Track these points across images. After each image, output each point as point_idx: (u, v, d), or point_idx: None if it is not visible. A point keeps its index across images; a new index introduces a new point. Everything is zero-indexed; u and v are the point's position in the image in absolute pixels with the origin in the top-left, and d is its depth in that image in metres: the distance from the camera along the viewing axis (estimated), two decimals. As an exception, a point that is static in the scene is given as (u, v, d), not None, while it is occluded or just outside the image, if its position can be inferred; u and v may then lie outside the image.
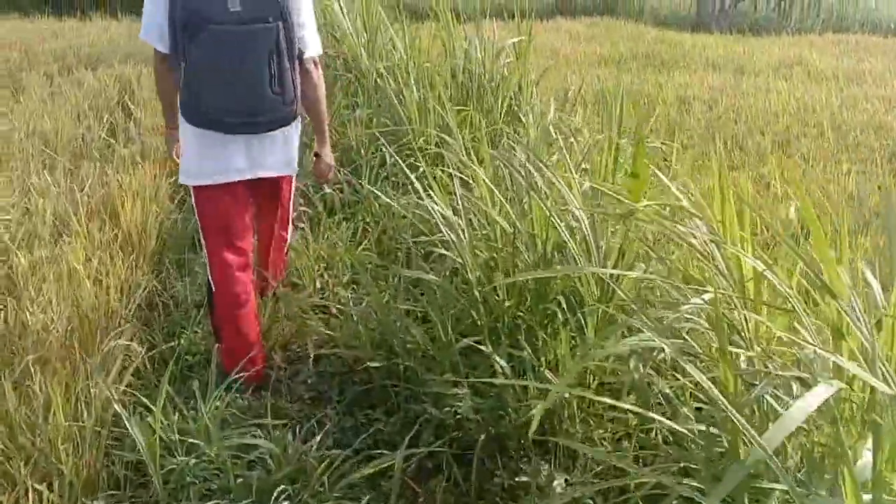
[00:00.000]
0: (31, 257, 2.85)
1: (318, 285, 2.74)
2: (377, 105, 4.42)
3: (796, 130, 6.08)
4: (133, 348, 2.18)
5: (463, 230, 2.33)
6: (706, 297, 1.47)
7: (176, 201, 3.87)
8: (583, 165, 2.60)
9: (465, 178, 2.82)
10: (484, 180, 2.50)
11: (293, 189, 2.67)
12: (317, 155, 2.60)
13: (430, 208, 2.36)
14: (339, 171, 3.60)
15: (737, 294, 1.47)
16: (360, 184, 3.46)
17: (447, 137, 3.42)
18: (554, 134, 3.77)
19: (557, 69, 8.38)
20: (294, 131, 2.45)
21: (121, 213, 3.35)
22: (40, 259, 2.81)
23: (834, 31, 15.12)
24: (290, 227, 2.78)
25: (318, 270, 2.86)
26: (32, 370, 1.98)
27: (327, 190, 3.45)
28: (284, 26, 2.15)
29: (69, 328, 2.27)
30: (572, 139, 3.56)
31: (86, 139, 4.90)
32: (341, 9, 5.64)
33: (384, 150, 3.65)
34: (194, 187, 2.37)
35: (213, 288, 2.40)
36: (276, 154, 2.40)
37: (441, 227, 2.38)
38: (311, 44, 2.36)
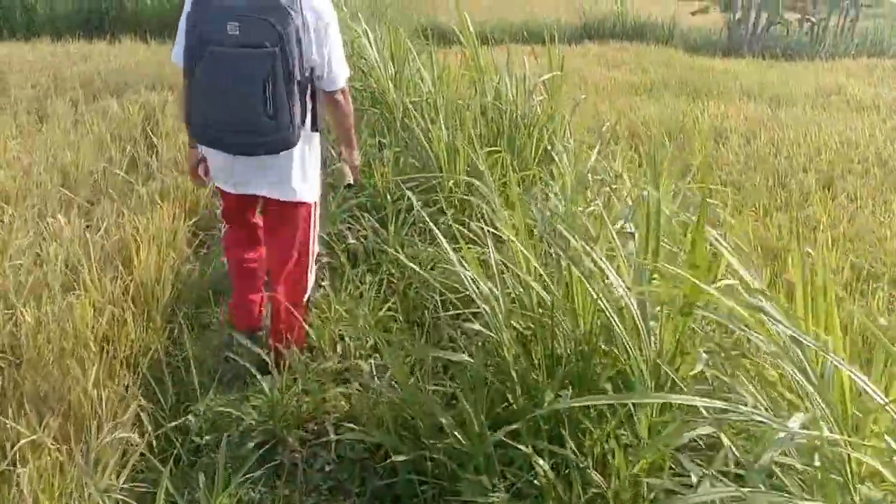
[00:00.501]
0: (38, 313, 2.69)
1: (338, 349, 2.55)
2: (405, 144, 4.25)
3: (840, 167, 5.80)
4: (134, 440, 2.00)
5: (498, 300, 2.12)
6: (797, 421, 1.25)
7: (193, 246, 3.72)
8: (627, 227, 2.39)
9: (498, 232, 2.62)
10: (517, 245, 2.29)
11: (312, 227, 2.68)
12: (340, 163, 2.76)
13: (461, 275, 2.16)
14: (363, 216, 3.43)
15: (837, 421, 1.24)
16: (386, 232, 3.28)
17: (477, 183, 3.24)
18: (591, 179, 3.57)
19: (587, 97, 8.18)
20: (297, 158, 2.45)
21: (135, 259, 3.20)
22: (47, 316, 2.65)
23: (868, 56, 14.78)
24: (310, 276, 2.75)
25: (338, 332, 2.67)
26: (21, 458, 1.81)
27: (351, 240, 3.27)
28: (282, 52, 2.17)
29: (67, 409, 2.10)
30: (611, 187, 3.36)
31: (106, 173, 4.79)
32: (369, 41, 5.48)
33: (410, 192, 3.47)
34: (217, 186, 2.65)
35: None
36: (274, 176, 2.45)
37: (472, 295, 2.17)
38: (340, 76, 2.45)
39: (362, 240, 3.34)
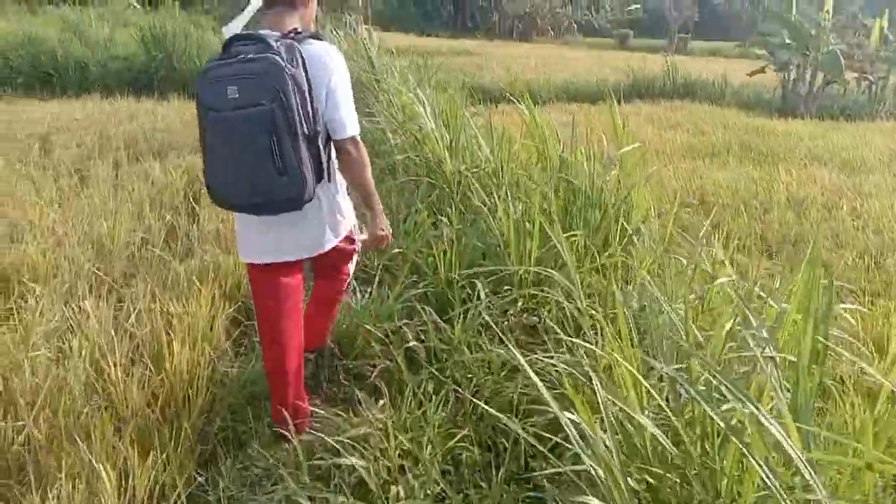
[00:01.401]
0: (52, 426, 2.31)
1: (401, 494, 2.08)
2: (467, 221, 3.86)
3: (940, 244, 5.25)
4: None
5: (610, 451, 1.67)
6: None
7: (233, 337, 3.34)
8: (768, 350, 1.92)
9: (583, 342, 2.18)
10: (627, 370, 1.84)
11: (351, 256, 2.76)
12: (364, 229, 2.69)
13: (561, 418, 1.71)
14: (424, 309, 3.01)
15: None
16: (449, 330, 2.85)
17: (557, 276, 2.80)
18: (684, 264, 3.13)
19: (645, 161, 7.75)
20: (319, 211, 2.48)
21: (167, 357, 2.82)
22: (61, 433, 2.26)
23: (931, 114, 14.21)
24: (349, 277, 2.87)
25: (397, 468, 2.22)
26: None
27: (411, 341, 2.85)
28: (282, 108, 2.16)
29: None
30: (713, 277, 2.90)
31: (143, 246, 4.49)
32: (424, 108, 5.15)
33: (477, 282, 3.05)
34: (246, 264, 2.60)
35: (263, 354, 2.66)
36: (303, 236, 2.48)
37: (572, 439, 1.73)
38: (347, 125, 2.40)
39: (422, 336, 2.93)
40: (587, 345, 2.17)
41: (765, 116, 13.56)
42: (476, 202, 3.73)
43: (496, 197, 3.69)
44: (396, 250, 3.60)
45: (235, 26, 3.49)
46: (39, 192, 5.76)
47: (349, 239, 2.68)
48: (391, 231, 2.73)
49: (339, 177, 2.55)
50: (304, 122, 2.22)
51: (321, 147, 2.34)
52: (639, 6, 61.59)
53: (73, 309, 3.29)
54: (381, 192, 3.17)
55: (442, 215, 4.00)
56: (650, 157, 8.23)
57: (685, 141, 9.72)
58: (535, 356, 2.39)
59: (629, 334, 2.13)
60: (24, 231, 4.63)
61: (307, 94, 2.24)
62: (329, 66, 2.34)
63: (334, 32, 15.73)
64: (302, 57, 2.24)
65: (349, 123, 2.40)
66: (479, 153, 4.91)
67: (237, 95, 2.14)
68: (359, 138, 2.46)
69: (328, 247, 2.55)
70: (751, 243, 5.25)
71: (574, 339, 2.22)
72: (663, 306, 2.40)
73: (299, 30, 2.39)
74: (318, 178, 2.34)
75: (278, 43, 2.22)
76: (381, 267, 3.63)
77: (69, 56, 13.13)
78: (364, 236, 2.69)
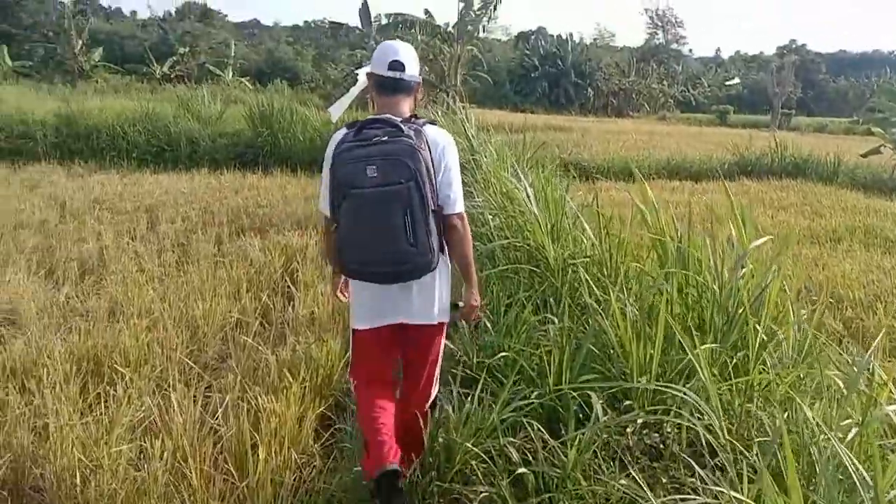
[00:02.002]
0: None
1: None
2: (575, 319, 3.53)
3: None
4: None
5: None
6: None
7: (322, 440, 3.10)
8: None
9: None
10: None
11: (442, 344, 2.82)
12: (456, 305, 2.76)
13: None
14: (532, 425, 2.69)
15: None
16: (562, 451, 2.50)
17: (691, 396, 2.43)
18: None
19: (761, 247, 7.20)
20: (435, 281, 2.62)
21: (251, 462, 2.60)
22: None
23: None
24: (435, 385, 2.88)
25: None
26: None
27: (517, 463, 2.52)
28: (417, 186, 2.36)
29: None
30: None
31: (238, 327, 4.39)
32: (524, 188, 4.90)
33: (592, 395, 2.71)
34: (353, 329, 2.73)
35: (359, 422, 2.74)
36: (418, 302, 2.61)
37: None
38: (457, 202, 2.59)
39: (529, 456, 2.59)
40: (739, 497, 1.78)
41: (884, 198, 12.66)
42: (585, 297, 3.40)
43: (608, 292, 3.36)
44: (502, 355, 3.30)
45: (339, 108, 3.54)
46: (142, 267, 5.85)
47: (442, 332, 2.80)
48: (483, 304, 2.83)
49: (448, 265, 2.71)
50: (431, 198, 2.43)
51: (440, 223, 2.53)
52: (737, 82, 60.61)
53: (160, 399, 3.15)
54: (479, 280, 2.99)
55: (547, 309, 3.70)
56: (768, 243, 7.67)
57: (801, 224, 9.09)
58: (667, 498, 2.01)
59: (796, 481, 1.74)
60: (123, 309, 4.64)
61: (432, 174, 2.47)
62: (446, 149, 2.58)
63: (430, 109, 16.00)
64: (426, 139, 2.50)
65: (459, 200, 2.60)
66: (584, 238, 4.60)
67: (376, 175, 2.34)
68: (465, 214, 2.64)
69: (436, 320, 2.68)
70: (890, 346, 4.66)
71: (716, 485, 1.84)
72: (825, 438, 2.00)
73: (417, 115, 2.64)
74: (441, 249, 2.54)
75: (406, 127, 2.45)
76: (481, 366, 3.33)
77: (181, 131, 13.82)
78: (460, 304, 2.76)
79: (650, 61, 61.70)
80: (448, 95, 16.98)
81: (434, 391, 2.87)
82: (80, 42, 34.78)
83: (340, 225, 2.47)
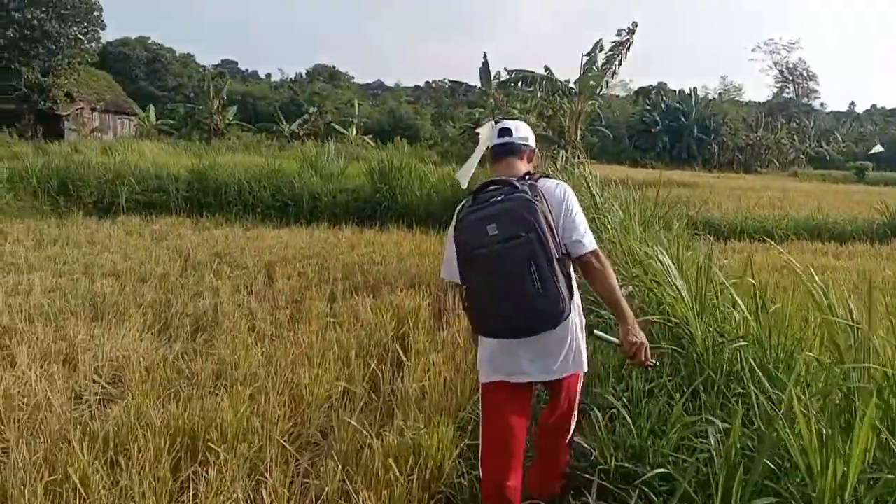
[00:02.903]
0: None
1: None
2: (737, 416, 2.93)
3: None
4: None
5: None
6: None
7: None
8: None
9: None
10: None
11: (578, 391, 2.82)
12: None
13: None
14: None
15: None
16: None
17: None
18: None
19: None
20: (570, 331, 2.61)
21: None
22: None
23: None
24: (574, 418, 2.86)
25: None
26: None
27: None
28: (538, 237, 2.40)
29: None
30: None
31: (344, 399, 4.07)
32: (667, 263, 4.29)
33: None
34: (483, 384, 2.72)
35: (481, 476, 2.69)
36: (555, 355, 2.61)
37: None
38: (586, 242, 2.62)
39: None
40: None
41: None
42: (751, 389, 2.81)
43: (776, 384, 2.76)
44: (658, 471, 2.75)
45: (468, 172, 3.49)
46: (254, 325, 5.70)
47: (578, 380, 2.80)
48: (646, 342, 2.63)
49: (580, 312, 2.72)
50: (553, 248, 2.45)
51: (568, 269, 2.58)
52: (881, 149, 56.52)
53: (254, 485, 2.83)
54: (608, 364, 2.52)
55: (697, 401, 3.12)
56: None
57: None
58: None
59: None
60: (230, 371, 4.44)
61: (552, 223, 2.52)
62: (563, 196, 2.66)
63: (547, 165, 15.62)
64: (542, 192, 2.59)
65: (587, 240, 2.63)
66: (735, 314, 3.99)
67: (496, 232, 2.40)
68: (599, 251, 2.65)
69: (572, 371, 2.67)
70: None
71: None
72: None
73: (532, 172, 2.76)
74: (570, 294, 2.52)
75: (521, 183, 2.55)
76: (621, 473, 2.80)
77: (305, 187, 14.10)
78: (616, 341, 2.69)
79: (778, 116, 59.12)
80: (567, 151, 16.55)
81: (573, 423, 2.88)
82: (217, 102, 37.24)
83: (469, 288, 2.52)
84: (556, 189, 2.67)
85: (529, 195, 2.47)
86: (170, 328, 5.77)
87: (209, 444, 3.21)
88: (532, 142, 2.91)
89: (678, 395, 3.16)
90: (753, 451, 2.63)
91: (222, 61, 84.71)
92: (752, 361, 3.17)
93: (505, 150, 2.82)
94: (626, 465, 2.81)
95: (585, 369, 2.73)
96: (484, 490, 2.65)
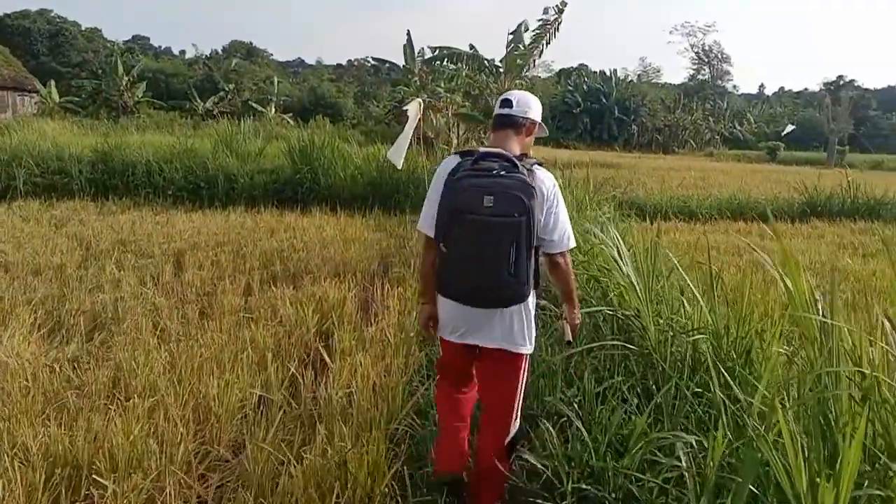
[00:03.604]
0: None
1: None
2: (702, 426, 2.62)
3: None
4: None
5: None
6: None
7: None
8: None
9: None
10: None
11: (522, 379, 2.82)
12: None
13: None
14: None
15: None
16: None
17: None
18: None
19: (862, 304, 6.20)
20: (522, 313, 2.71)
21: None
22: None
23: None
24: (516, 420, 2.83)
25: None
26: None
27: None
28: (527, 222, 2.51)
29: None
30: None
31: (260, 406, 3.60)
32: (618, 248, 3.96)
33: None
34: (440, 338, 2.92)
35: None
36: (500, 329, 2.72)
37: None
38: (565, 242, 2.75)
39: None
40: None
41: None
42: (716, 394, 2.51)
43: (745, 387, 2.47)
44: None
45: (400, 152, 3.24)
46: (158, 323, 5.13)
47: (523, 363, 2.81)
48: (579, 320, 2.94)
49: (533, 297, 2.76)
50: (536, 235, 2.58)
51: (536, 259, 2.67)
52: (793, 128, 58.77)
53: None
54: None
55: (656, 409, 2.80)
56: (868, 297, 6.65)
57: (901, 275, 8.01)
58: None
59: None
60: (127, 380, 3.90)
61: (539, 213, 2.62)
62: (551, 192, 2.71)
63: (475, 145, 15.31)
64: (537, 181, 2.63)
65: (565, 240, 2.74)
66: (686, 303, 3.72)
67: (492, 205, 2.48)
68: (567, 252, 2.79)
69: (516, 349, 2.73)
70: None
71: None
72: None
73: (527, 155, 2.76)
74: (536, 283, 2.67)
75: (521, 164, 2.59)
76: (578, 496, 2.46)
77: (219, 168, 13.28)
78: (569, 335, 2.86)
79: (694, 97, 60.64)
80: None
81: (514, 426, 2.84)
82: (126, 79, 35.21)
83: (448, 248, 2.60)
84: (548, 182, 2.70)
85: (528, 179, 2.53)
86: (63, 328, 5.13)
87: (94, 476, 2.69)
88: (535, 114, 2.84)
89: (635, 399, 2.84)
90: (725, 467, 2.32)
91: (133, 37, 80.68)
92: (712, 357, 2.88)
93: (503, 122, 2.80)
94: (584, 486, 2.47)
95: (529, 350, 2.78)
96: (440, 435, 2.97)
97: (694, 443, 2.37)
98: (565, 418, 2.95)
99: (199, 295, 6.20)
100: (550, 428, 2.79)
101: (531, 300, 2.71)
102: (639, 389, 3.07)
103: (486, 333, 2.71)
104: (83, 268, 7.05)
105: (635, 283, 3.65)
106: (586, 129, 53.37)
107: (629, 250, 4.33)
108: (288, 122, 34.74)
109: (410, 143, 10.76)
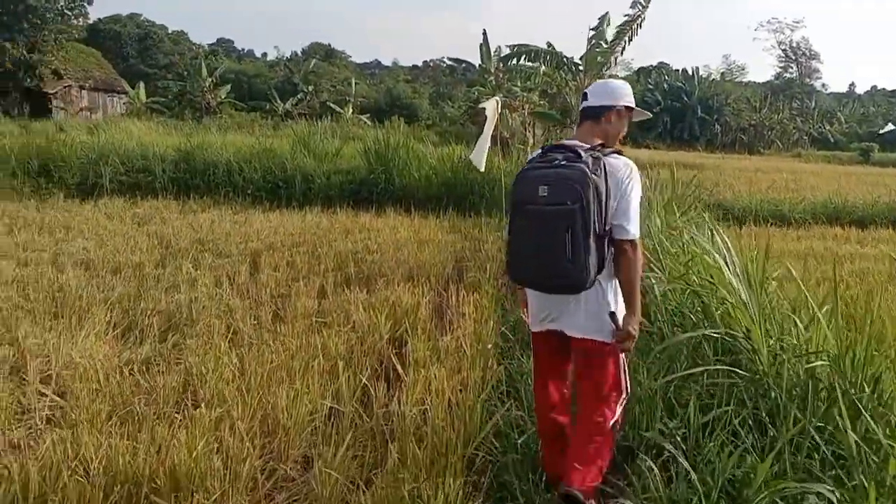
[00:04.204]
0: None
1: None
2: (835, 475, 2.26)
3: None
4: None
5: None
6: None
7: None
8: None
9: None
10: None
11: (614, 369, 2.75)
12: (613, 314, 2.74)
13: None
14: None
15: None
16: None
17: None
18: None
19: None
20: (593, 298, 2.70)
21: None
22: None
23: None
24: (615, 410, 2.75)
25: None
26: None
27: None
28: (581, 209, 2.50)
29: None
30: None
31: (330, 418, 3.41)
32: (726, 260, 3.56)
33: None
34: (531, 331, 2.99)
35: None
36: (579, 317, 2.74)
37: None
38: (630, 229, 2.66)
39: None
40: None
41: None
42: (854, 440, 2.15)
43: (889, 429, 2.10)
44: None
45: (481, 153, 3.29)
46: (230, 327, 5.03)
47: (614, 352, 2.74)
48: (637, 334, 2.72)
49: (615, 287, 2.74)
50: (596, 222, 2.55)
51: (606, 246, 2.64)
52: (893, 128, 55.48)
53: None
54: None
55: (770, 443, 2.45)
56: None
57: None
58: None
59: None
60: (196, 386, 3.78)
61: (604, 200, 2.58)
62: (625, 178, 2.68)
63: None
64: (605, 168, 2.62)
65: (632, 229, 2.66)
66: (797, 323, 3.31)
67: (546, 194, 2.55)
68: (637, 242, 2.69)
69: (598, 337, 2.71)
70: None
71: None
72: None
73: (606, 145, 2.76)
74: (599, 269, 2.61)
75: (587, 154, 2.61)
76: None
77: (297, 168, 13.34)
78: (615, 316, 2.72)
79: (780, 96, 58.15)
80: (573, 130, 15.77)
81: (610, 418, 2.74)
82: (209, 80, 36.22)
83: (513, 234, 2.70)
84: (622, 169, 2.69)
85: (589, 167, 2.54)
86: (137, 328, 5.10)
87: (153, 496, 2.54)
88: (612, 99, 2.83)
89: (747, 433, 2.48)
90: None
91: (218, 40, 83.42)
92: (840, 386, 2.50)
93: (582, 116, 2.88)
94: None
95: (610, 340, 2.70)
96: (539, 423, 2.98)
97: (826, 493, 2.01)
98: (667, 454, 2.62)
99: (273, 296, 6.11)
100: (652, 464, 2.47)
101: (610, 288, 2.71)
102: (751, 422, 2.70)
103: (567, 321, 2.75)
104: (161, 266, 7.09)
105: (746, 299, 3.27)
106: (666, 128, 51.85)
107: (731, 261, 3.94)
108: (365, 122, 35.03)
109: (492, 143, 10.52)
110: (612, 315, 2.68)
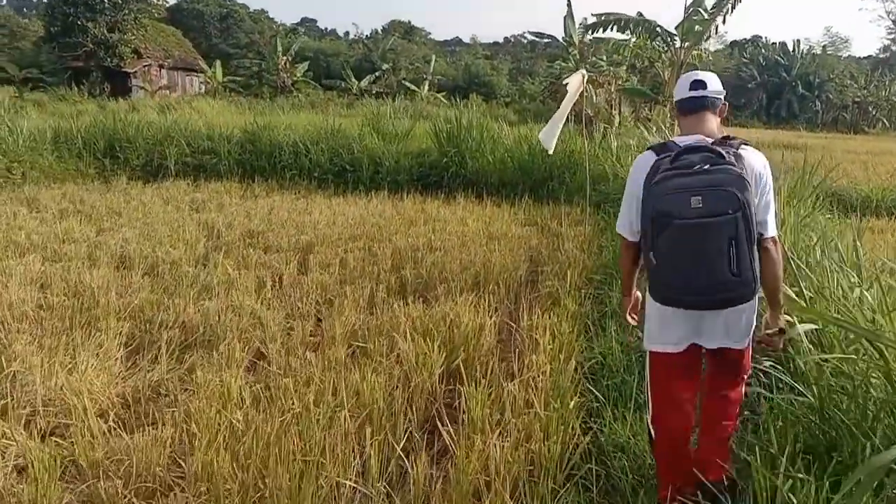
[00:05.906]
0: None
1: None
2: None
3: None
4: None
5: None
6: None
7: None
8: None
9: None
10: None
11: (746, 372, 2.68)
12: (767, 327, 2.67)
13: None
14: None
15: None
16: None
17: None
18: None
19: None
20: (750, 310, 2.56)
21: None
22: None
23: None
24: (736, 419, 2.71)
25: None
26: None
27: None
28: (744, 216, 2.31)
29: None
30: None
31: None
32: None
33: None
34: (651, 352, 2.73)
35: (653, 436, 2.76)
36: (724, 327, 2.54)
37: None
38: (773, 226, 2.54)
39: None
40: None
41: None
42: None
43: None
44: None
45: (552, 134, 2.53)
46: (255, 346, 4.21)
47: (747, 357, 2.64)
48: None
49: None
50: (756, 226, 2.39)
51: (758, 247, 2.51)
52: None
53: None
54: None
55: None
56: None
57: None
58: None
59: None
60: (196, 443, 2.95)
61: (753, 201, 2.39)
62: (764, 173, 2.53)
63: (641, 125, 13.55)
64: (746, 164, 2.46)
65: (772, 225, 2.54)
66: None
67: (701, 205, 2.32)
68: (777, 238, 2.57)
69: (742, 344, 2.58)
70: None
71: None
72: None
73: (730, 136, 2.56)
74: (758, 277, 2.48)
75: (726, 151, 2.40)
76: None
77: (364, 150, 12.50)
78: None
79: (885, 71, 53.68)
80: (666, 108, 14.32)
81: (741, 392, 2.69)
82: (284, 58, 35.93)
83: (660, 253, 2.44)
84: (758, 163, 2.53)
85: (737, 167, 2.36)
86: (153, 347, 4.35)
87: None
88: (721, 95, 2.67)
89: None
90: None
91: (301, 19, 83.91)
92: None
93: (699, 105, 2.63)
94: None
95: (748, 344, 2.59)
96: (658, 447, 2.72)
97: None
98: None
99: (317, 303, 5.28)
100: None
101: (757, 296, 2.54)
102: None
103: (709, 334, 2.57)
104: (201, 264, 6.37)
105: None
106: (762, 105, 48.78)
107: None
108: (441, 100, 34.05)
109: (567, 122, 9.27)
110: (760, 318, 2.60)
